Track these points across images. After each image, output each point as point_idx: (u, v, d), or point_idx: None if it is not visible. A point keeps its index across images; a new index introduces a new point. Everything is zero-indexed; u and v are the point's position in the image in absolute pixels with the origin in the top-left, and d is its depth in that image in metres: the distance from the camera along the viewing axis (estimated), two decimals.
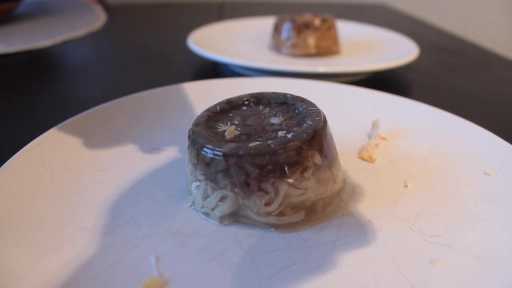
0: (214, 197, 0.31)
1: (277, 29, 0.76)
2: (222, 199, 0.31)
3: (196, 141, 0.31)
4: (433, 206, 0.33)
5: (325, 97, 0.47)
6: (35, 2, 1.14)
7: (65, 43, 0.83)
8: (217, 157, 0.30)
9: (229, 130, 0.32)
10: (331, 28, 0.74)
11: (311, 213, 0.31)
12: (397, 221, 0.32)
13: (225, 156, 0.29)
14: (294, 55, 0.73)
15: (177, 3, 1.36)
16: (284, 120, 0.33)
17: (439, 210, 0.33)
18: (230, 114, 0.35)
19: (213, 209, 0.31)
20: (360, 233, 0.30)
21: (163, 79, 0.68)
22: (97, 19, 1.00)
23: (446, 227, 0.31)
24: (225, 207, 0.30)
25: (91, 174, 0.36)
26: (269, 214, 0.30)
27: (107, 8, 1.17)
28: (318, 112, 0.33)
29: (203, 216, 0.32)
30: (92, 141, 0.40)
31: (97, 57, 0.81)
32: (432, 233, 0.30)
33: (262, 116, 0.34)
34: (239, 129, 0.32)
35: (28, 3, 1.08)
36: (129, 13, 1.22)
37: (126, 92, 0.47)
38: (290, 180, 0.30)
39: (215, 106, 0.36)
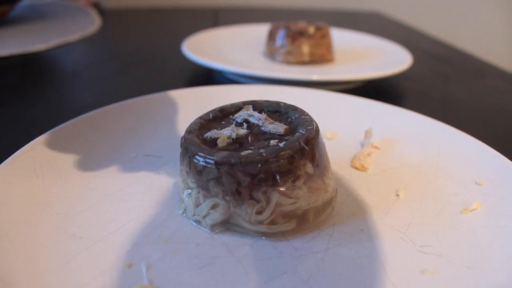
0: (206, 205, 0.31)
1: (271, 36, 0.76)
2: (213, 207, 0.31)
3: (188, 148, 0.31)
4: (424, 216, 0.33)
5: (318, 105, 0.48)
6: (30, 6, 1.13)
7: (59, 47, 0.83)
8: (209, 165, 0.30)
9: (222, 138, 0.32)
10: (325, 36, 0.74)
11: (302, 222, 0.31)
12: (388, 231, 0.32)
13: (217, 164, 0.29)
14: (288, 63, 0.73)
15: (173, 8, 1.36)
16: None
17: (430, 219, 0.33)
18: (223, 122, 0.35)
19: (204, 217, 0.31)
20: (351, 242, 0.31)
21: (156, 85, 0.67)
22: (92, 23, 1.00)
23: (437, 237, 0.31)
24: (217, 215, 0.30)
25: (83, 180, 0.36)
26: (260, 222, 0.30)
27: (102, 12, 1.17)
28: (310, 121, 0.33)
29: (195, 224, 0.32)
30: (85, 147, 0.40)
31: (91, 61, 0.81)
32: (423, 243, 0.30)
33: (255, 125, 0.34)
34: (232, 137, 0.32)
35: (22, 6, 1.07)
36: (124, 18, 1.22)
37: (120, 97, 0.47)
38: (281, 189, 0.30)
39: (208, 113, 0.36)
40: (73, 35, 0.89)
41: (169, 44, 0.89)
